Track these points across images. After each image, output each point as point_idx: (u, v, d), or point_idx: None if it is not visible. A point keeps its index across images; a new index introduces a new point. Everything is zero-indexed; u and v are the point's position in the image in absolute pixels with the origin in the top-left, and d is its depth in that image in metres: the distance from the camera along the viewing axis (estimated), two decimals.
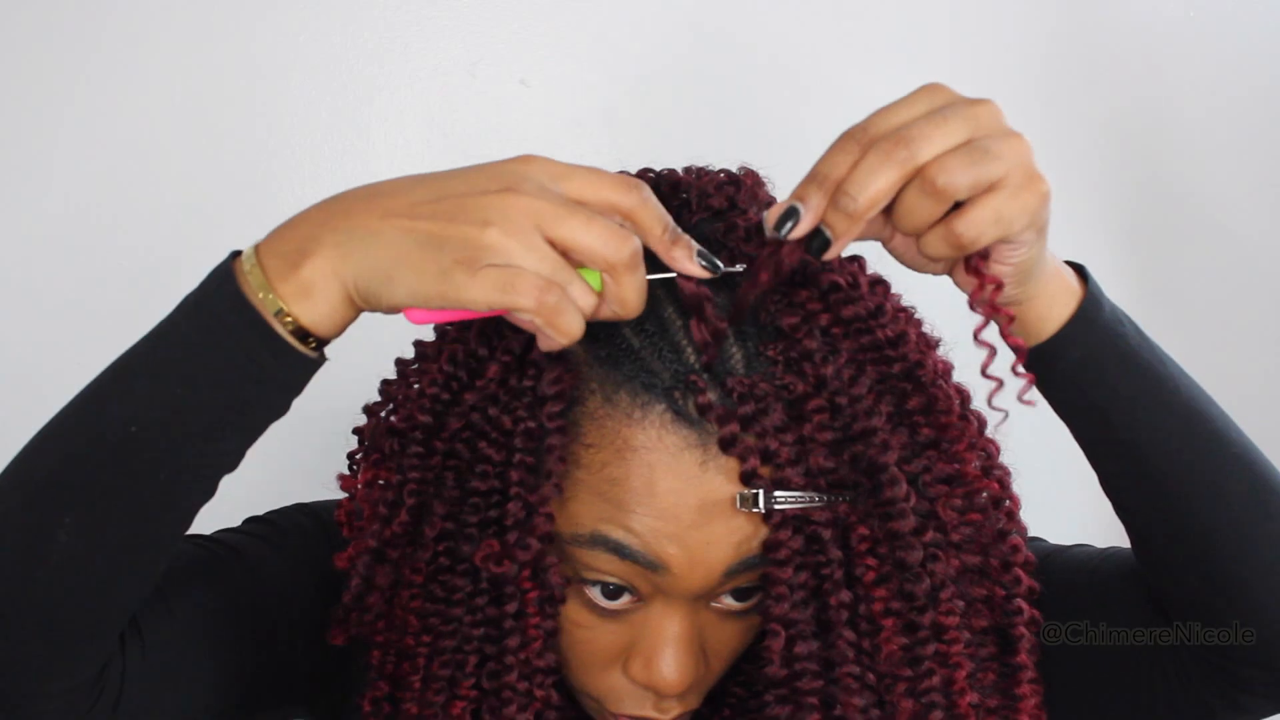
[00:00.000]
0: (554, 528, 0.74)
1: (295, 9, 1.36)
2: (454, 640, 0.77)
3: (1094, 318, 0.76)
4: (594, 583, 0.75)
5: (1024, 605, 0.79)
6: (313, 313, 0.68)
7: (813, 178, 0.68)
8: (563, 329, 0.66)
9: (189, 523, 0.73)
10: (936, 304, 0.80)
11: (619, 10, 1.40)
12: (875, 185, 0.65)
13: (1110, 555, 0.88)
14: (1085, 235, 1.45)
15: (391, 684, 0.80)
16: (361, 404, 0.82)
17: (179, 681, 0.78)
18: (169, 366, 0.69)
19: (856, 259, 0.78)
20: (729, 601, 0.77)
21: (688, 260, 0.69)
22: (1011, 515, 0.79)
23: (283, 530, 0.88)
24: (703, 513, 0.72)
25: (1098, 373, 0.76)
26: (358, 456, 0.81)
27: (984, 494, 0.77)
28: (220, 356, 0.68)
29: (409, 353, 0.81)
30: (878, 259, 0.78)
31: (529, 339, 0.74)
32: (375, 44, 1.37)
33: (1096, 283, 0.77)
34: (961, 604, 0.76)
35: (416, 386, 0.77)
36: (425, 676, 0.78)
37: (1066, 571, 0.87)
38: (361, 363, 0.83)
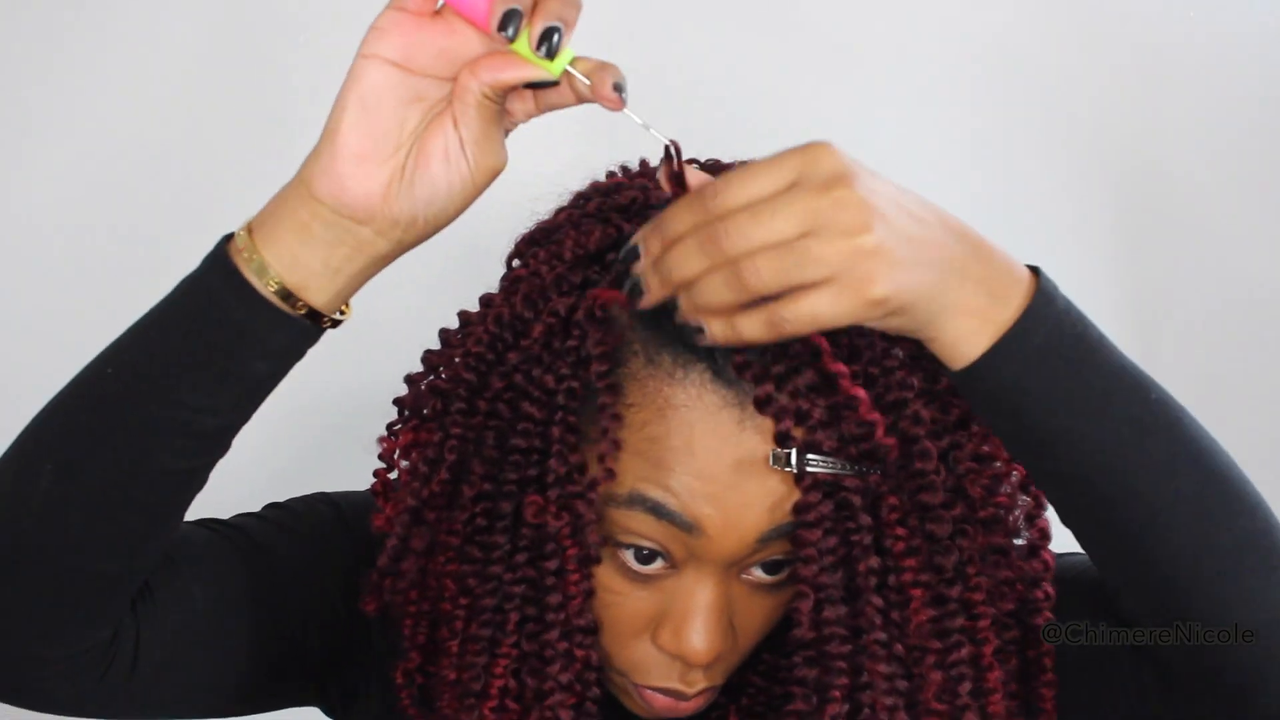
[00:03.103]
0: (610, 485, 0.75)
1: (295, 9, 1.36)
2: (494, 599, 0.77)
3: (1013, 352, 0.69)
4: (628, 546, 0.76)
5: (1051, 591, 0.79)
6: (275, 247, 0.71)
7: (657, 226, 0.67)
8: None
9: (170, 494, 0.74)
10: None
11: (619, 10, 1.40)
12: (683, 269, 0.65)
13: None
14: (1082, 232, 1.46)
15: (424, 654, 0.81)
16: (378, 400, 0.83)
17: (191, 661, 0.80)
18: (150, 317, 0.73)
19: None
20: (759, 574, 0.77)
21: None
22: (1038, 500, 0.80)
23: (300, 517, 0.88)
24: (739, 472, 0.73)
25: (1016, 406, 0.70)
26: (396, 427, 0.82)
27: (1012, 476, 0.78)
28: (188, 301, 0.72)
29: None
30: None
31: (573, 303, 0.75)
32: None
33: (1049, 293, 0.70)
34: (988, 581, 0.77)
35: (461, 349, 0.78)
36: (464, 639, 0.78)
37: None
38: (381, 361, 0.83)
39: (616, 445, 0.74)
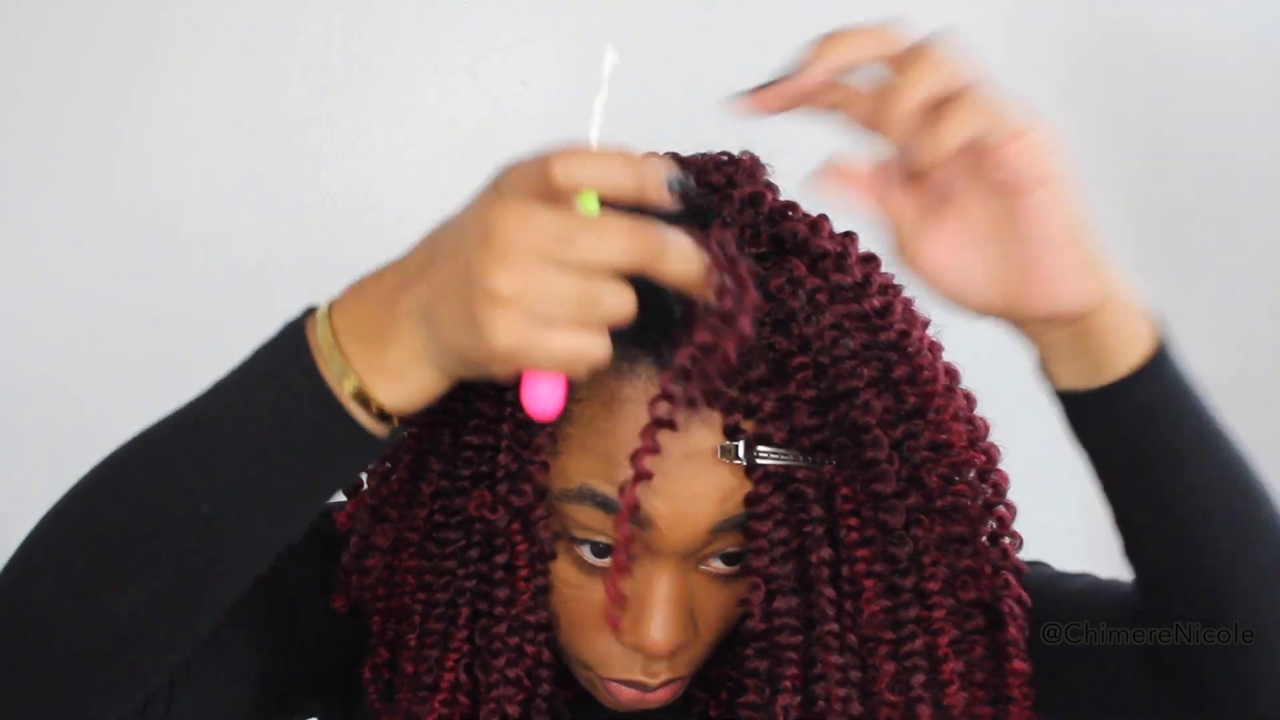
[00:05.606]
0: (546, 479, 0.75)
1: (295, 10, 1.37)
2: (447, 594, 0.78)
3: (1163, 366, 0.70)
4: (583, 540, 0.76)
5: (1011, 579, 0.79)
6: (399, 395, 0.64)
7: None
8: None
9: (247, 587, 0.70)
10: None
11: (620, 10, 1.41)
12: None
13: (1105, 588, 0.85)
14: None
15: (390, 649, 0.81)
16: None
17: (221, 682, 0.77)
18: (244, 445, 0.64)
19: (849, 234, 0.79)
20: (717, 565, 0.77)
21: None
22: (999, 489, 0.80)
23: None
24: (687, 464, 0.73)
25: (1157, 426, 0.71)
26: None
27: (970, 466, 0.78)
28: (298, 443, 0.64)
29: None
30: (873, 239, 0.79)
31: None
32: (375, 44, 1.38)
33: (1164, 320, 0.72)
34: (945, 571, 0.77)
35: None
36: (420, 632, 0.79)
37: (1060, 604, 0.84)
38: None
39: (553, 439, 0.75)
